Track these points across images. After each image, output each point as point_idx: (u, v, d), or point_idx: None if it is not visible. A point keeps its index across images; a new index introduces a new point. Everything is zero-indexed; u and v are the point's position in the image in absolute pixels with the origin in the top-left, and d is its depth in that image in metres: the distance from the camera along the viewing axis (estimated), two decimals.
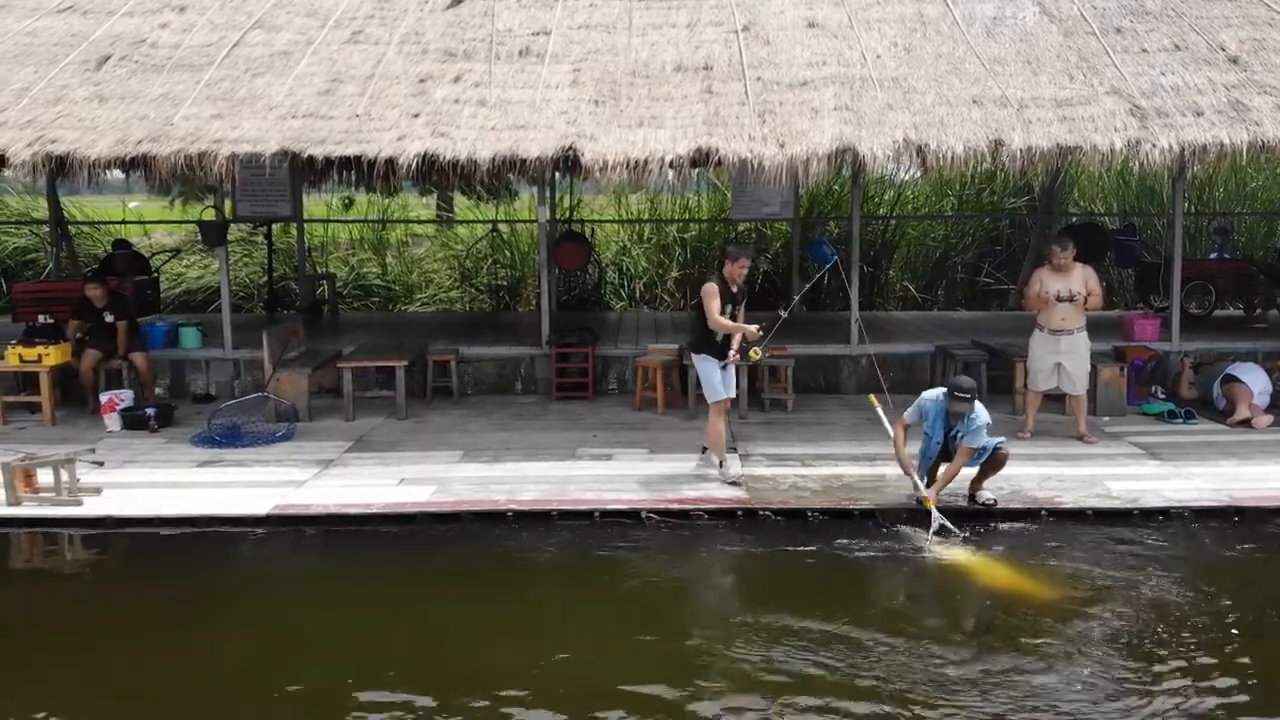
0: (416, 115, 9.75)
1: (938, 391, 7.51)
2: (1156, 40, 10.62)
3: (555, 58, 10.67)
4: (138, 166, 9.88)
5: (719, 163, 9.26)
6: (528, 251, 16.66)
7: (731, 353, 8.16)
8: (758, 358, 8.19)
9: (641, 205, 18.18)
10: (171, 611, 6.32)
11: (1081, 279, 9.08)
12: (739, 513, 7.65)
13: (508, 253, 16.93)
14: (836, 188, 16.16)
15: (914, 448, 7.63)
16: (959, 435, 7.33)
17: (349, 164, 13.74)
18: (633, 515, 7.58)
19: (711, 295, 7.95)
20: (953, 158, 9.05)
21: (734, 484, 8.02)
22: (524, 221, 17.18)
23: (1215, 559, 6.89)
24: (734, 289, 8.13)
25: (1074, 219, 15.46)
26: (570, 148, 9.26)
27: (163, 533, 7.40)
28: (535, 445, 9.20)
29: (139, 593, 6.70)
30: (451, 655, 5.75)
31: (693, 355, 8.41)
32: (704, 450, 8.43)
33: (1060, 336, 9.12)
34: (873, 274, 15.70)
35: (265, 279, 15.31)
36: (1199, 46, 10.54)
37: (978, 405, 7.26)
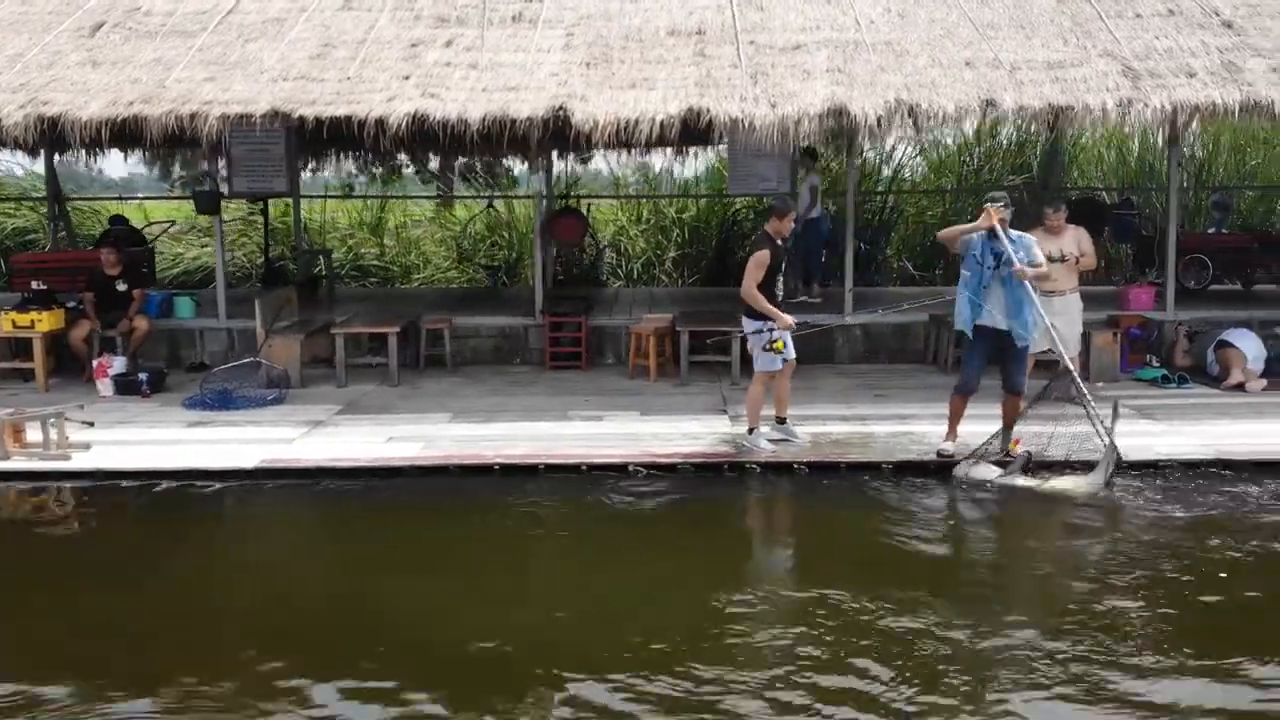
0: (407, 78, 9.76)
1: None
2: (1150, 5, 10.59)
3: (548, 23, 10.67)
4: (129, 132, 9.87)
5: (709, 124, 9.24)
6: (525, 232, 16.63)
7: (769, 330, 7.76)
8: (781, 349, 7.75)
9: (639, 188, 18.23)
10: (153, 558, 6.36)
11: (1073, 239, 9.04)
12: (726, 466, 7.65)
13: (505, 234, 16.91)
14: (835, 165, 16.11)
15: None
16: (1011, 256, 7.33)
17: (347, 142, 13.97)
18: (620, 469, 7.59)
19: (759, 265, 7.58)
20: (944, 117, 9.03)
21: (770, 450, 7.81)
22: (521, 197, 17.17)
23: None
24: (780, 243, 7.79)
25: (1073, 195, 15.40)
26: (561, 108, 9.25)
27: (150, 485, 7.40)
28: (527, 409, 9.19)
29: (122, 541, 6.74)
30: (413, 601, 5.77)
31: (747, 320, 7.92)
32: (781, 422, 8.09)
33: (1052, 298, 9.02)
34: (870, 251, 15.64)
35: (262, 257, 15.31)
36: (1193, 11, 10.51)
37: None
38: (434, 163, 19.56)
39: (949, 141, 16.77)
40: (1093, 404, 7.22)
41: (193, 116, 9.29)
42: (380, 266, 17.09)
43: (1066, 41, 10.06)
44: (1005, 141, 16.08)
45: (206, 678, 4.64)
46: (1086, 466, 7.19)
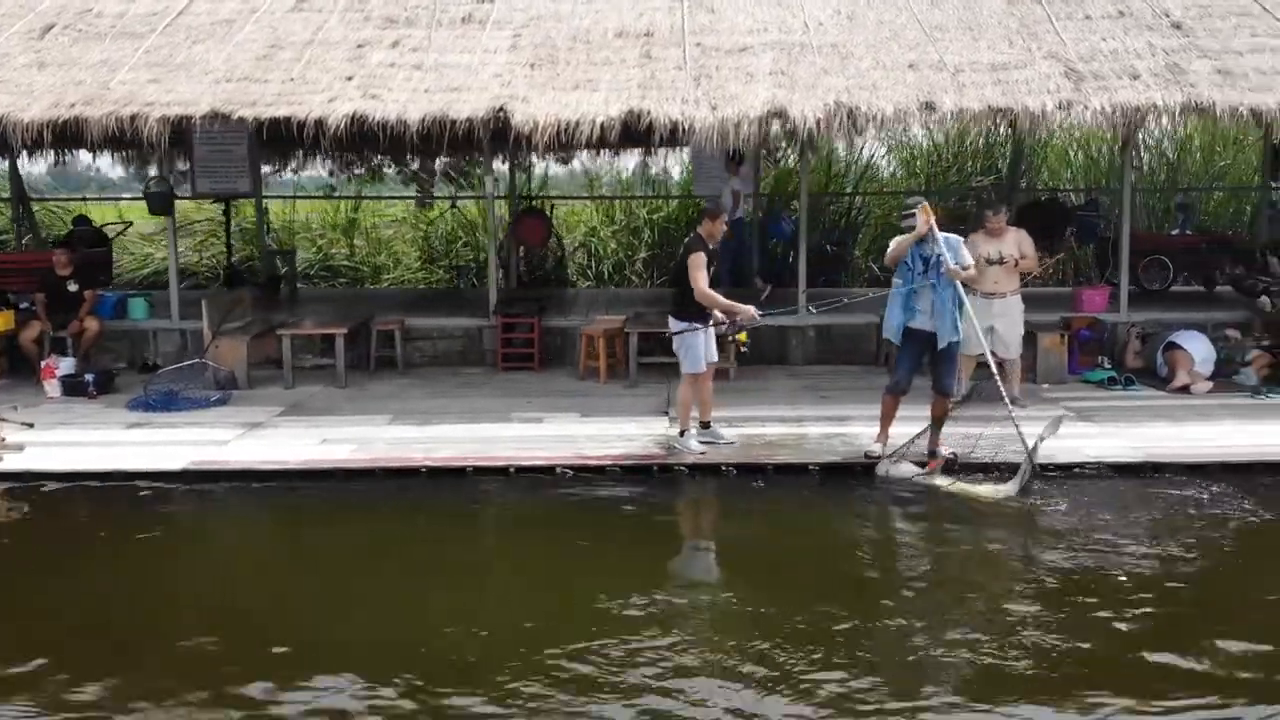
0: (350, 78, 9.78)
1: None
2: (1100, 7, 10.58)
3: (497, 24, 10.67)
4: (71, 134, 9.88)
5: (650, 125, 9.23)
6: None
7: (720, 324, 7.71)
8: (745, 341, 7.62)
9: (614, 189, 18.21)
10: (58, 559, 6.36)
11: (1014, 242, 9.03)
12: (654, 468, 7.64)
13: (475, 235, 16.90)
14: (796, 166, 16.10)
15: None
16: (939, 257, 7.27)
17: (316, 144, 13.93)
18: (549, 470, 7.58)
19: (699, 266, 7.47)
20: (882, 119, 9.02)
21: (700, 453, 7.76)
22: (481, 197, 17.16)
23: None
24: (712, 246, 7.72)
25: (1041, 196, 15.39)
26: (501, 109, 9.25)
27: (78, 487, 7.40)
28: (471, 410, 9.16)
29: (32, 543, 6.75)
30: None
31: (674, 320, 7.81)
32: (705, 425, 8.02)
33: (993, 300, 9.05)
34: (838, 253, 15.62)
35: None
36: (1143, 13, 10.49)
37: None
38: (415, 164, 19.51)
39: (921, 142, 16.78)
40: (1013, 411, 7.22)
41: (133, 118, 9.30)
42: (350, 267, 17.08)
43: (1012, 43, 10.05)
44: (972, 143, 16.04)
45: (91, 679, 4.65)
46: (1012, 469, 7.18)
